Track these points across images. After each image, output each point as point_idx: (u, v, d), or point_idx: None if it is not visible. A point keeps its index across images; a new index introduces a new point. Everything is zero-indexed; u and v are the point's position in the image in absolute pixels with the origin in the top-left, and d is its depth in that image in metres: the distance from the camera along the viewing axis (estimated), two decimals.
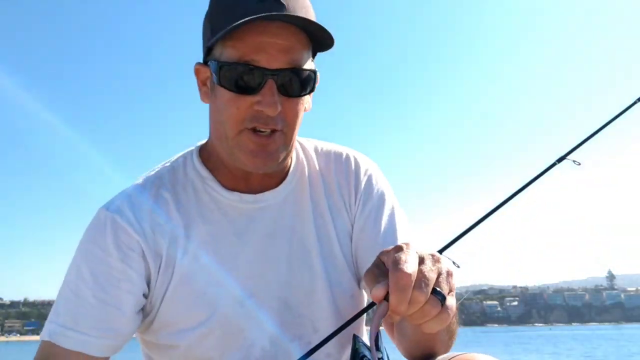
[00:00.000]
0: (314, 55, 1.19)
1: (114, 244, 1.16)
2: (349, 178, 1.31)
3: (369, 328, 0.78)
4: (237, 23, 1.04)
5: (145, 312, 1.21)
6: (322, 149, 1.36)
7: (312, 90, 1.17)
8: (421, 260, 0.79)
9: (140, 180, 1.27)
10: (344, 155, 1.34)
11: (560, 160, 1.24)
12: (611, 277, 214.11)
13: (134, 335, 1.27)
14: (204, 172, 1.25)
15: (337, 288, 1.23)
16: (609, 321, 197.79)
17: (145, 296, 1.19)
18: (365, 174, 1.32)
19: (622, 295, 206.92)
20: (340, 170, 1.32)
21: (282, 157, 1.17)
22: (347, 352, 1.30)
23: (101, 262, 1.16)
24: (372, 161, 1.37)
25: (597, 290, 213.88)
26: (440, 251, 1.02)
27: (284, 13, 1.07)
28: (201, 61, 1.20)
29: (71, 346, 1.12)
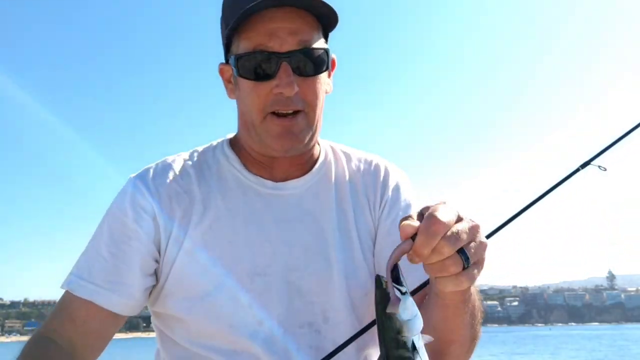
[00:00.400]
0: (326, 36, 1.24)
1: (131, 205, 1.23)
2: (377, 182, 1.33)
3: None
4: (243, 10, 1.11)
5: (157, 279, 1.24)
6: (353, 153, 1.39)
7: (327, 68, 1.21)
8: (459, 220, 0.80)
9: (172, 156, 1.35)
10: (375, 162, 1.37)
11: (584, 165, 1.20)
12: (611, 277, 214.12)
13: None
14: (230, 154, 1.32)
15: (352, 281, 1.22)
16: (609, 321, 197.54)
17: (157, 261, 1.23)
18: (393, 181, 1.33)
19: (622, 295, 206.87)
20: (368, 173, 1.35)
21: (307, 138, 1.21)
22: (363, 354, 1.25)
23: (118, 221, 1.24)
24: (403, 171, 1.38)
25: (597, 291, 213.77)
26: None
27: None
28: (223, 61, 1.27)
29: (83, 294, 1.18)
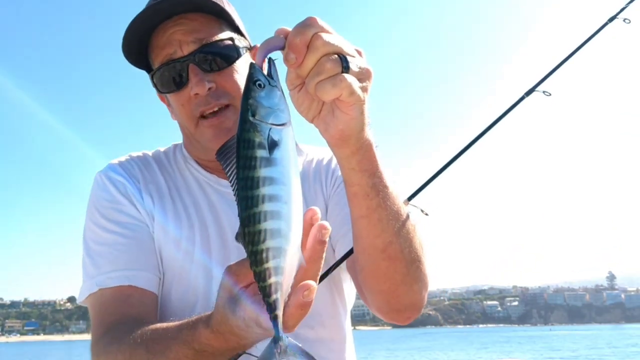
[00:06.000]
0: (238, 29, 1.25)
1: (119, 193, 1.26)
2: (328, 166, 1.37)
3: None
4: (126, 30, 1.17)
5: None
6: (304, 148, 1.43)
7: (238, 56, 1.21)
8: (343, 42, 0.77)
9: (135, 152, 1.40)
10: (326, 150, 1.36)
11: (529, 92, 1.17)
12: (611, 277, 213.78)
13: None
14: (188, 155, 1.36)
15: None
16: (609, 321, 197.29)
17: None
18: None
19: (623, 295, 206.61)
20: (319, 161, 1.39)
21: None
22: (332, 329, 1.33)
23: (115, 210, 1.25)
24: None
25: (597, 290, 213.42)
26: (410, 198, 1.01)
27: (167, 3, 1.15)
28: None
29: (119, 283, 1.18)
